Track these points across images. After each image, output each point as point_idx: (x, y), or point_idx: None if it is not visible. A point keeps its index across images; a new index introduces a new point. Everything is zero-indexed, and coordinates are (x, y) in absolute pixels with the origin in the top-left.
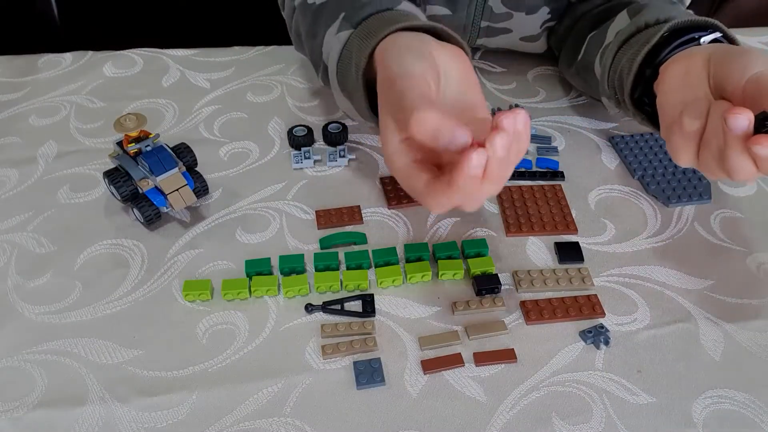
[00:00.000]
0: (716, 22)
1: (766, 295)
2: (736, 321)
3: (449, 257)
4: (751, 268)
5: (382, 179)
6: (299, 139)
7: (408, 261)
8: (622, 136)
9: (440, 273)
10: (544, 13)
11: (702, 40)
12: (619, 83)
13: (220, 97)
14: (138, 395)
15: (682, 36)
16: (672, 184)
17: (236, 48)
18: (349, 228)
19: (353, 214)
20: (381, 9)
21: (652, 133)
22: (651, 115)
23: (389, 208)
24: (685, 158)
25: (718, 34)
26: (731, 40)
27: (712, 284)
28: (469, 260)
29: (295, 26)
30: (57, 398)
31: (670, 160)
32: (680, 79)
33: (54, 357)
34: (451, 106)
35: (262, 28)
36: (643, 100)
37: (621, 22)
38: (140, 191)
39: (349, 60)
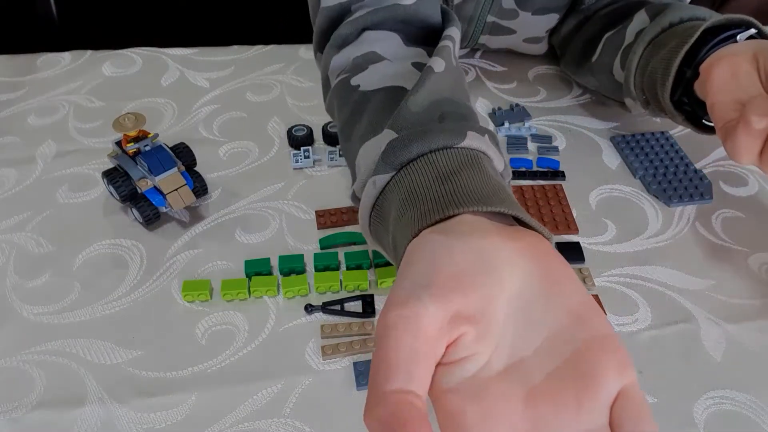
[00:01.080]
0: (751, 19)
1: (767, 296)
2: (737, 321)
3: None
4: (752, 268)
5: None
6: (299, 139)
7: None
8: (623, 136)
9: None
10: (551, 19)
11: (738, 37)
12: (650, 84)
13: (219, 97)
14: (137, 396)
15: (718, 34)
16: (673, 184)
17: (236, 47)
18: (349, 228)
19: (353, 214)
20: (435, 148)
21: (653, 133)
22: (689, 114)
23: None
24: (748, 157)
25: (753, 31)
26: (766, 37)
27: (713, 284)
28: None
29: (329, 104)
30: (56, 399)
31: (672, 159)
32: (728, 77)
33: (53, 357)
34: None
35: (262, 27)
36: (683, 101)
37: (640, 22)
38: (139, 191)
39: (386, 224)
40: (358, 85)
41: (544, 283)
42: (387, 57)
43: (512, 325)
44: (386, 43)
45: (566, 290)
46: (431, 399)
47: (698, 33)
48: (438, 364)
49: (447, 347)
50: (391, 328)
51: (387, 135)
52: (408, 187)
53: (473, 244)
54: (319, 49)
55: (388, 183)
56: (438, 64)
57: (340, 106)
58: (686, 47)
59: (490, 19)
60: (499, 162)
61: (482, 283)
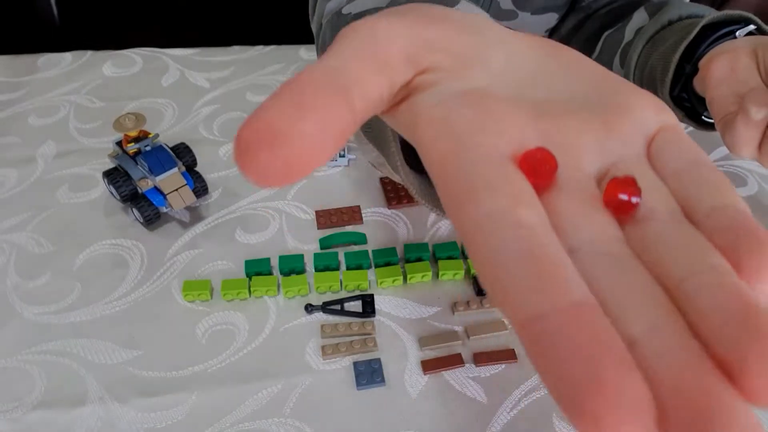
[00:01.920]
0: (750, 15)
1: None
2: None
3: (449, 257)
4: None
5: (382, 179)
6: None
7: (408, 261)
8: None
9: (440, 273)
10: (551, 18)
11: (738, 33)
12: (649, 81)
13: (219, 97)
14: (137, 395)
15: (717, 30)
16: None
17: (236, 48)
18: (349, 228)
19: (353, 214)
20: None
21: None
22: (689, 111)
23: (389, 208)
24: (748, 149)
25: (752, 27)
26: (765, 33)
27: None
28: (469, 260)
29: (321, 42)
30: (56, 398)
31: None
32: (727, 72)
33: (53, 357)
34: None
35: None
36: (682, 96)
37: (639, 20)
38: (140, 191)
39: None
40: (350, 12)
41: (554, 58)
42: None
43: (513, 79)
44: None
45: (586, 65)
46: (402, 124)
47: (697, 29)
48: (409, 91)
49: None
50: (341, 35)
51: None
52: None
53: (469, 18)
54: (313, 11)
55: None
56: None
57: (332, 37)
58: (685, 43)
59: None
60: None
61: (474, 32)
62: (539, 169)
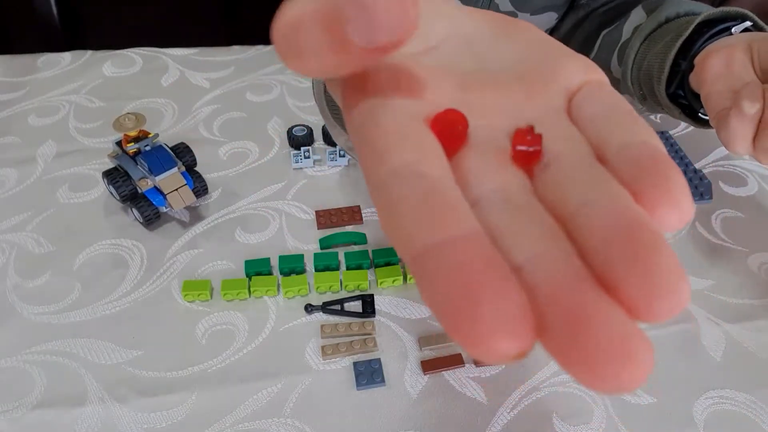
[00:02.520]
0: (746, 12)
1: (767, 296)
2: (737, 321)
3: None
4: (752, 268)
5: None
6: (299, 139)
7: None
8: None
9: None
10: (551, 18)
11: (733, 29)
12: (646, 79)
13: (219, 97)
14: (137, 396)
15: (713, 27)
16: None
17: (236, 48)
18: (349, 228)
19: (353, 214)
20: None
21: None
22: (685, 108)
23: None
24: (742, 145)
25: (748, 23)
26: (761, 29)
27: (713, 284)
28: None
29: None
30: (56, 399)
31: (672, 159)
32: (722, 68)
33: (53, 357)
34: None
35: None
36: (678, 94)
37: (637, 18)
38: (139, 191)
39: None
40: None
41: (500, 31)
42: None
43: (448, 51)
44: None
45: (530, 36)
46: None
47: (693, 25)
48: None
49: None
50: None
51: None
52: None
53: None
54: None
55: None
56: None
57: None
58: (681, 39)
59: None
60: None
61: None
62: (450, 129)
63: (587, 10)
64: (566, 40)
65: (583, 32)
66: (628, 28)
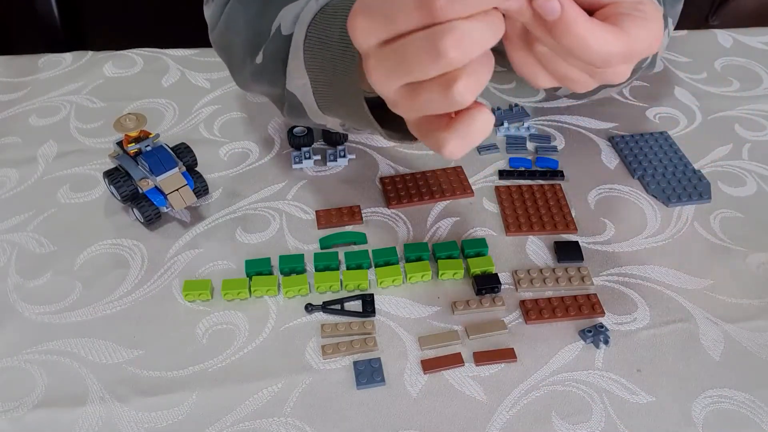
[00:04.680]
0: None
1: (766, 295)
2: (735, 321)
3: (449, 257)
4: (750, 268)
5: (382, 179)
6: (299, 139)
7: (408, 261)
8: (622, 136)
9: (440, 273)
10: None
11: None
12: None
13: (220, 97)
14: (138, 395)
15: None
16: (672, 184)
17: None
18: (349, 228)
19: (353, 214)
20: None
21: (652, 133)
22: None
23: (389, 208)
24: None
25: None
26: None
27: (711, 284)
28: (468, 260)
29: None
30: (57, 398)
31: (670, 159)
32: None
33: (54, 357)
34: None
35: None
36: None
37: None
38: (140, 191)
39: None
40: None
41: None
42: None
43: None
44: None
45: None
46: None
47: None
48: None
49: None
50: None
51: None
52: None
53: None
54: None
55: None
56: None
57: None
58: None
59: None
60: None
61: None
62: None
63: None
64: None
65: None
66: None
